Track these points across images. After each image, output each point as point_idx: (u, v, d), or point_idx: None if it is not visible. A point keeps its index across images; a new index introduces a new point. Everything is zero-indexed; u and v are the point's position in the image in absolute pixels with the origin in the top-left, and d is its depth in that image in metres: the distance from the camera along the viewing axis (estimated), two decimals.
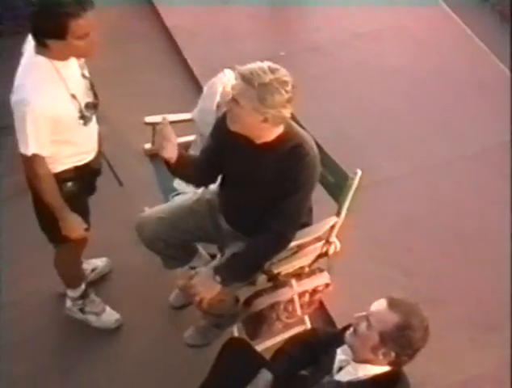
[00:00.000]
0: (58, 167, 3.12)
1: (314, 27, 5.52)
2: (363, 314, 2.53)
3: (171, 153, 3.05)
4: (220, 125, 3.04)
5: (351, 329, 2.58)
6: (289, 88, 2.81)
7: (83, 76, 3.10)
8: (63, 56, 2.93)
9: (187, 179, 3.38)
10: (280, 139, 2.96)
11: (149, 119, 3.83)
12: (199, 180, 3.33)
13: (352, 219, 3.58)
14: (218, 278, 3.01)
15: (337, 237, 3.43)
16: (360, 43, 5.32)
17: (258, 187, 3.03)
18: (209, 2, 5.55)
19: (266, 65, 2.80)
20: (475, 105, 4.92)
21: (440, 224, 4.28)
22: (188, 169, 3.17)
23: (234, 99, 2.85)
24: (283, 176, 2.95)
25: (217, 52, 5.07)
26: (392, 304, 2.50)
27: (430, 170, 4.53)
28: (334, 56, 5.25)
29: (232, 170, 3.14)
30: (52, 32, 2.82)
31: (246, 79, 2.78)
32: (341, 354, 2.64)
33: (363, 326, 2.52)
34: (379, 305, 2.51)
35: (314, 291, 3.45)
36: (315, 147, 3.03)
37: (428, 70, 5.12)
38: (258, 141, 2.96)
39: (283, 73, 2.82)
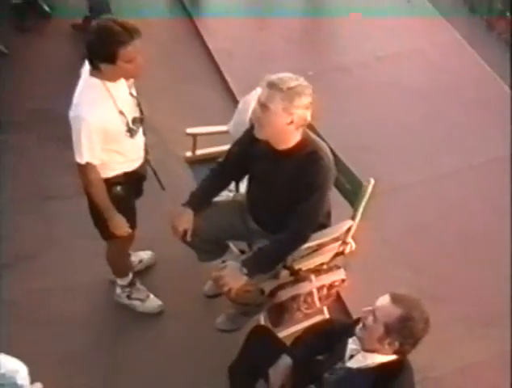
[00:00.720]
0: (109, 173, 3.16)
1: (340, 50, 5.49)
2: (370, 308, 2.52)
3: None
4: (248, 134, 3.08)
5: (360, 323, 2.56)
6: (311, 92, 2.85)
7: (131, 94, 3.13)
8: (113, 78, 2.97)
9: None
10: (298, 146, 2.97)
11: (190, 130, 3.85)
12: (224, 181, 3.35)
13: (368, 222, 3.56)
14: (245, 270, 3.00)
15: (352, 238, 3.40)
16: (381, 64, 5.27)
17: (279, 189, 3.04)
18: (247, 26, 5.54)
19: (290, 74, 2.86)
20: (480, 121, 4.85)
21: (446, 228, 4.22)
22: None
23: (263, 105, 2.86)
24: (300, 180, 2.95)
25: (252, 70, 5.02)
26: (395, 299, 2.49)
27: (439, 180, 4.47)
28: (358, 76, 5.21)
29: (257, 175, 3.16)
30: (104, 57, 2.87)
31: (275, 85, 2.82)
32: (352, 343, 2.63)
33: (369, 319, 2.51)
34: (384, 300, 2.51)
35: (331, 285, 3.42)
36: (329, 153, 3.03)
37: (440, 90, 5.06)
38: (280, 148, 2.96)
39: (305, 81, 2.87)
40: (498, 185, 4.45)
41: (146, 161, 3.37)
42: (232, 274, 3.02)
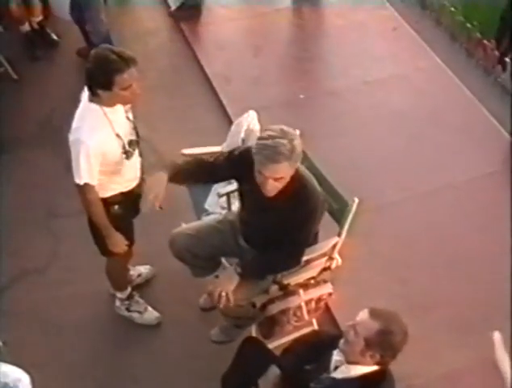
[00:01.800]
0: (107, 193, 3.16)
1: (330, 75, 5.48)
2: (351, 323, 2.51)
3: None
4: (244, 164, 2.95)
5: (343, 339, 2.55)
6: (295, 133, 2.83)
7: (127, 118, 3.14)
8: (111, 104, 2.98)
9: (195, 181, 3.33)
10: (288, 183, 2.90)
11: (186, 151, 3.83)
12: (209, 179, 3.29)
13: (356, 237, 3.55)
14: (239, 269, 2.99)
15: (339, 253, 3.40)
16: (368, 89, 5.26)
17: (270, 224, 3.00)
18: (242, 54, 5.55)
19: (273, 138, 2.74)
20: (460, 142, 4.84)
21: (431, 242, 4.20)
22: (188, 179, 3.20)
23: (274, 179, 2.78)
24: (292, 216, 2.92)
25: (247, 94, 5.07)
26: (373, 313, 2.47)
27: (424, 197, 4.45)
28: (347, 100, 5.21)
29: (248, 206, 3.12)
30: (101, 84, 2.89)
31: (276, 159, 2.73)
32: (336, 355, 2.62)
33: (351, 334, 2.50)
34: (363, 315, 2.49)
35: (319, 299, 3.42)
36: (315, 183, 3.00)
37: (423, 113, 5.05)
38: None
39: (281, 128, 2.81)
40: (478, 202, 4.45)
41: (142, 180, 3.36)
42: (226, 276, 3.02)
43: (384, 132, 4.92)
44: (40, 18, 5.37)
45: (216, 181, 3.38)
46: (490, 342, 3.56)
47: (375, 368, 2.52)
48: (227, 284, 3.00)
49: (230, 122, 4.77)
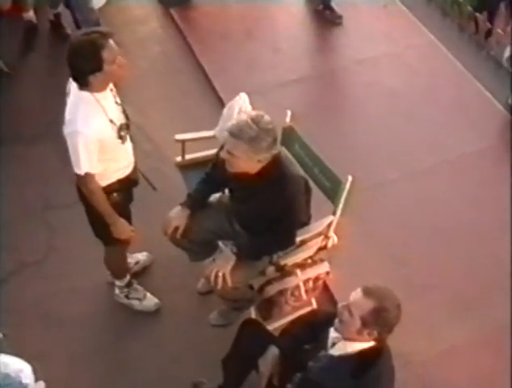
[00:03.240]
0: (105, 182, 3.14)
1: (322, 56, 5.46)
2: (344, 304, 2.51)
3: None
4: (219, 165, 3.05)
5: (337, 318, 2.55)
6: (273, 132, 2.83)
7: (116, 103, 3.11)
8: (103, 86, 2.96)
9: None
10: (267, 171, 2.94)
11: (179, 136, 3.83)
12: (215, 186, 3.35)
13: (352, 217, 3.55)
14: (234, 249, 3.03)
15: (335, 232, 3.39)
16: (361, 68, 5.24)
17: (257, 210, 3.02)
18: (234, 39, 5.52)
19: (249, 118, 2.80)
20: (454, 118, 4.83)
21: (427, 220, 4.20)
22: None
23: (229, 152, 2.86)
24: (275, 204, 2.95)
25: (240, 79, 5.04)
26: (367, 292, 2.47)
27: (418, 175, 4.45)
28: (340, 80, 5.22)
29: (234, 194, 3.15)
30: (91, 68, 2.86)
31: (236, 135, 2.80)
32: (333, 332, 2.62)
33: (345, 315, 2.50)
34: (356, 294, 2.49)
35: (316, 278, 3.43)
36: (296, 169, 3.04)
37: (416, 90, 5.04)
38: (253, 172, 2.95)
39: (266, 120, 2.82)
40: (474, 178, 4.45)
41: (136, 165, 3.35)
42: (222, 258, 3.05)
43: (377, 110, 4.90)
44: (58, 10, 5.35)
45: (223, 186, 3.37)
46: (489, 319, 3.62)
47: (372, 343, 2.52)
48: (224, 265, 3.01)
49: (223, 107, 4.74)
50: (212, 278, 3.03)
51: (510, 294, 3.72)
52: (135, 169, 3.33)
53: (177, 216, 3.22)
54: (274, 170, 2.93)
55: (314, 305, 3.62)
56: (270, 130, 2.82)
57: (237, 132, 2.80)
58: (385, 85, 5.08)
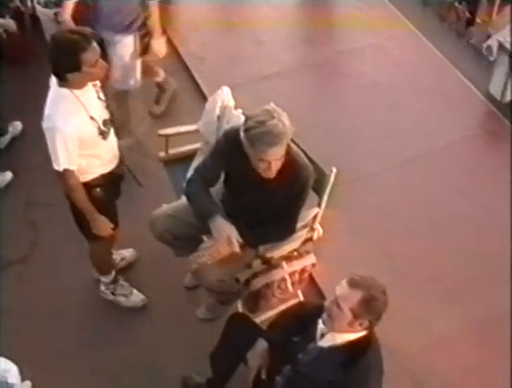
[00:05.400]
0: (88, 177, 3.12)
1: (303, 48, 5.43)
2: (332, 298, 2.48)
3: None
4: (234, 149, 2.92)
5: (325, 314, 2.52)
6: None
7: (99, 98, 3.08)
8: (81, 85, 2.94)
9: None
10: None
11: (162, 131, 3.80)
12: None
13: (337, 210, 3.56)
14: (240, 239, 2.97)
15: (321, 224, 3.38)
16: (342, 59, 5.25)
17: (266, 201, 2.98)
18: (215, 32, 5.48)
19: (263, 117, 2.74)
20: (439, 109, 4.84)
21: (412, 211, 4.21)
22: None
23: (275, 160, 2.79)
24: (289, 194, 2.93)
25: (222, 73, 5.02)
26: (352, 283, 2.45)
27: (403, 166, 4.46)
28: (322, 72, 5.20)
29: (240, 189, 3.06)
30: (69, 67, 2.84)
31: (276, 142, 2.73)
32: (321, 324, 2.59)
33: (334, 309, 2.47)
34: (342, 287, 2.47)
35: (303, 270, 3.42)
36: (303, 155, 2.99)
37: (398, 81, 5.06)
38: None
39: (277, 110, 2.79)
40: (457, 167, 4.47)
41: (121, 161, 3.32)
42: (223, 241, 2.96)
43: (360, 101, 4.91)
44: None
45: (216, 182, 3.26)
46: (477, 310, 3.64)
47: (361, 334, 2.51)
48: (222, 248, 2.94)
49: (205, 100, 4.71)
50: (210, 254, 2.98)
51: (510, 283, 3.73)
52: (120, 164, 3.31)
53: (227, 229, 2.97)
54: (288, 158, 2.88)
55: (301, 298, 3.61)
56: (276, 108, 2.80)
57: (275, 139, 2.72)
58: (368, 76, 5.08)
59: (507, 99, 4.86)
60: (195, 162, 3.60)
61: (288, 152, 2.88)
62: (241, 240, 2.93)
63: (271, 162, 2.79)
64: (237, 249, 2.91)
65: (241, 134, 2.79)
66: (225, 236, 2.90)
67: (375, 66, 5.18)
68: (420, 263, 3.91)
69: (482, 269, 3.88)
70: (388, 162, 4.48)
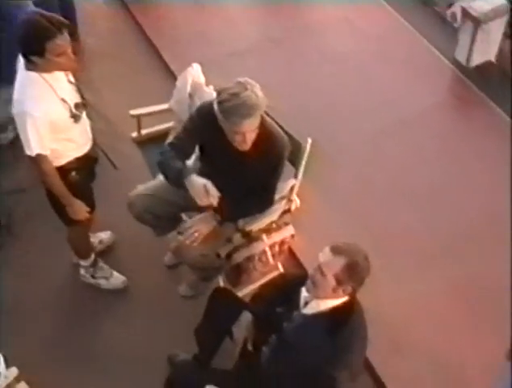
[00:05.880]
0: (63, 160, 3.09)
1: (270, 23, 5.41)
2: (316, 266, 2.50)
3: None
4: (208, 123, 2.91)
5: (308, 282, 2.55)
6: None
7: (69, 81, 3.04)
8: (47, 70, 2.88)
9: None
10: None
11: (133, 112, 3.78)
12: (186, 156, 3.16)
13: (314, 181, 3.57)
14: (218, 216, 3.01)
15: (298, 196, 3.40)
16: (310, 33, 5.24)
17: (243, 175, 2.98)
18: (183, 10, 5.42)
19: (236, 89, 2.74)
20: (408, 78, 4.88)
21: (386, 180, 4.25)
22: None
23: (250, 131, 2.79)
24: (267, 166, 2.94)
25: (190, 50, 4.97)
26: (335, 250, 2.48)
27: (376, 135, 4.49)
28: (291, 46, 5.18)
29: (217, 165, 3.04)
30: (33, 51, 2.79)
31: (250, 114, 2.73)
32: (304, 292, 2.62)
33: (318, 276, 2.49)
34: (325, 254, 2.49)
35: (282, 242, 3.45)
36: (277, 126, 3.00)
37: (368, 52, 5.07)
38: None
39: (246, 81, 2.80)
40: (428, 135, 4.52)
41: (95, 143, 3.29)
42: (203, 220, 3.01)
43: (329, 75, 4.91)
44: None
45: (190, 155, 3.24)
46: (453, 271, 3.71)
47: (343, 299, 2.54)
48: (203, 227, 2.98)
49: (175, 79, 4.67)
50: (189, 234, 3.00)
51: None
52: (94, 146, 3.28)
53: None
54: (261, 129, 2.88)
55: (281, 270, 3.63)
56: (248, 81, 2.80)
57: (250, 111, 2.73)
58: (336, 49, 5.09)
59: (473, 64, 4.92)
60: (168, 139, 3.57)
61: (262, 124, 2.88)
62: (218, 193, 2.90)
63: (246, 133, 2.80)
64: (215, 201, 2.88)
65: (215, 107, 2.79)
66: (202, 186, 2.85)
67: (343, 39, 5.18)
68: (395, 227, 3.98)
69: (456, 232, 3.95)
70: (361, 134, 4.51)
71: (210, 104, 2.88)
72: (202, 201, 2.88)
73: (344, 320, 2.53)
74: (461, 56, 4.95)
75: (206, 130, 2.94)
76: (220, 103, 2.76)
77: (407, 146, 4.46)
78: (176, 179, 2.94)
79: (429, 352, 3.44)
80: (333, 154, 4.27)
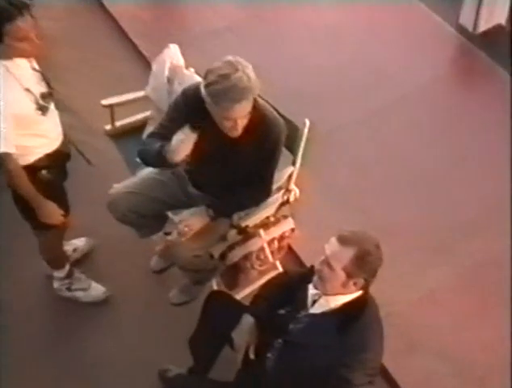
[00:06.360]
0: (31, 158, 3.10)
1: None
2: (322, 258, 2.54)
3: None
4: (195, 108, 2.94)
5: (315, 277, 2.60)
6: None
7: (34, 69, 3.06)
8: (7, 56, 2.89)
9: None
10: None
11: (105, 101, 3.82)
12: None
13: (310, 169, 3.63)
14: (211, 211, 3.06)
15: (296, 185, 3.46)
16: (295, 7, 5.28)
17: (237, 164, 3.03)
18: None
19: (226, 70, 2.75)
20: (406, 51, 4.98)
21: (388, 163, 4.35)
22: None
23: (241, 117, 2.83)
24: (261, 151, 2.98)
25: (161, 30, 5.03)
26: (343, 240, 2.51)
27: (373, 115, 4.59)
28: (275, 22, 5.24)
29: (206, 154, 3.03)
30: None
31: (240, 98, 2.75)
32: (312, 289, 2.67)
33: (325, 270, 2.53)
34: (332, 245, 2.52)
35: (282, 237, 3.50)
36: (271, 108, 3.04)
37: (361, 25, 5.16)
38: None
39: (237, 60, 2.81)
40: (430, 112, 4.61)
41: (66, 137, 3.32)
42: (195, 215, 3.05)
43: (318, 52, 4.99)
44: None
45: None
46: (465, 257, 3.81)
47: (356, 294, 2.59)
48: (195, 222, 3.04)
49: (147, 63, 4.74)
50: (181, 230, 3.05)
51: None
52: (65, 141, 3.30)
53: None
54: (254, 113, 2.92)
55: (280, 269, 3.70)
56: (239, 60, 2.82)
57: (241, 95, 2.75)
58: (325, 23, 5.16)
59: (480, 29, 4.95)
60: (147, 133, 3.61)
61: (256, 107, 2.91)
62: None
63: (237, 119, 2.84)
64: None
65: (202, 91, 2.80)
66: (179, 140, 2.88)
67: (331, 11, 5.24)
68: (397, 218, 4.06)
69: (464, 218, 4.06)
70: (356, 114, 4.60)
71: (197, 87, 2.91)
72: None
73: (357, 316, 2.56)
74: (467, 22, 4.97)
75: (193, 116, 2.95)
76: (207, 85, 2.78)
77: (408, 125, 4.55)
78: (157, 157, 2.95)
79: (443, 351, 3.55)
80: (326, 140, 4.32)
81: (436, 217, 4.09)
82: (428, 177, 4.28)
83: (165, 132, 3.03)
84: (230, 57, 2.82)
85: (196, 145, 2.94)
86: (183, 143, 2.88)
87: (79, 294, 3.74)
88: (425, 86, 4.75)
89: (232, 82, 2.73)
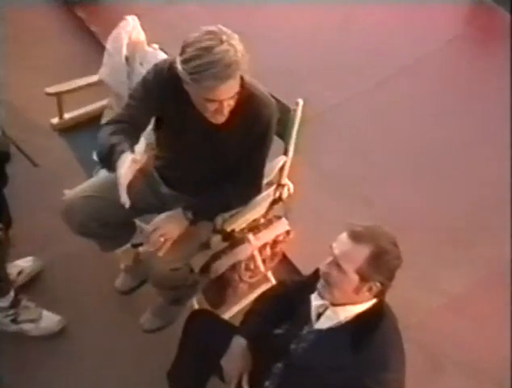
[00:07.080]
0: None
1: None
2: (330, 259, 2.54)
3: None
4: (169, 90, 2.94)
5: (320, 284, 2.60)
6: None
7: None
8: None
9: None
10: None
11: (50, 89, 3.81)
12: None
13: (302, 157, 3.65)
14: (190, 214, 3.04)
15: (289, 178, 3.48)
16: None
17: (221, 154, 3.05)
18: None
19: (208, 42, 2.72)
20: (406, 18, 5.11)
21: (388, 145, 4.45)
22: None
23: (231, 97, 2.83)
24: (248, 134, 2.98)
25: (113, 4, 5.06)
26: (355, 236, 2.51)
27: (370, 92, 4.70)
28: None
29: (184, 146, 3.09)
30: None
31: (226, 76, 2.72)
32: (316, 300, 2.66)
33: (334, 274, 2.53)
34: (342, 244, 2.52)
35: (275, 242, 3.52)
36: (260, 86, 3.04)
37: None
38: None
39: (221, 30, 2.79)
40: (437, 83, 4.74)
41: (4, 134, 3.32)
42: (171, 220, 3.04)
43: (310, 28, 5.10)
44: None
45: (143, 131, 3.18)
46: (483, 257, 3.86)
47: (370, 303, 2.60)
48: (172, 230, 3.02)
49: (98, 42, 4.77)
50: (155, 241, 3.02)
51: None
52: (2, 139, 3.32)
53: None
54: (243, 93, 2.91)
55: (272, 281, 3.72)
56: (224, 29, 2.80)
57: (227, 71, 2.72)
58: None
59: None
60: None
61: (242, 85, 2.91)
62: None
63: (223, 101, 2.83)
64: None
65: (179, 67, 2.77)
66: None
67: None
68: (406, 210, 4.14)
69: (477, 212, 4.15)
70: (351, 91, 4.72)
71: (170, 63, 2.91)
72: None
73: (372, 329, 2.56)
74: None
75: (165, 97, 2.95)
76: (185, 61, 2.75)
77: (412, 100, 4.68)
78: (106, 157, 2.89)
79: (471, 364, 3.60)
80: (319, 121, 4.42)
81: (448, 206, 4.17)
82: (439, 160, 4.36)
83: (129, 116, 3.00)
84: (212, 27, 2.78)
85: (170, 134, 2.94)
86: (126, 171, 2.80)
87: (28, 327, 3.72)
88: (431, 55, 4.87)
89: (215, 56, 2.70)
